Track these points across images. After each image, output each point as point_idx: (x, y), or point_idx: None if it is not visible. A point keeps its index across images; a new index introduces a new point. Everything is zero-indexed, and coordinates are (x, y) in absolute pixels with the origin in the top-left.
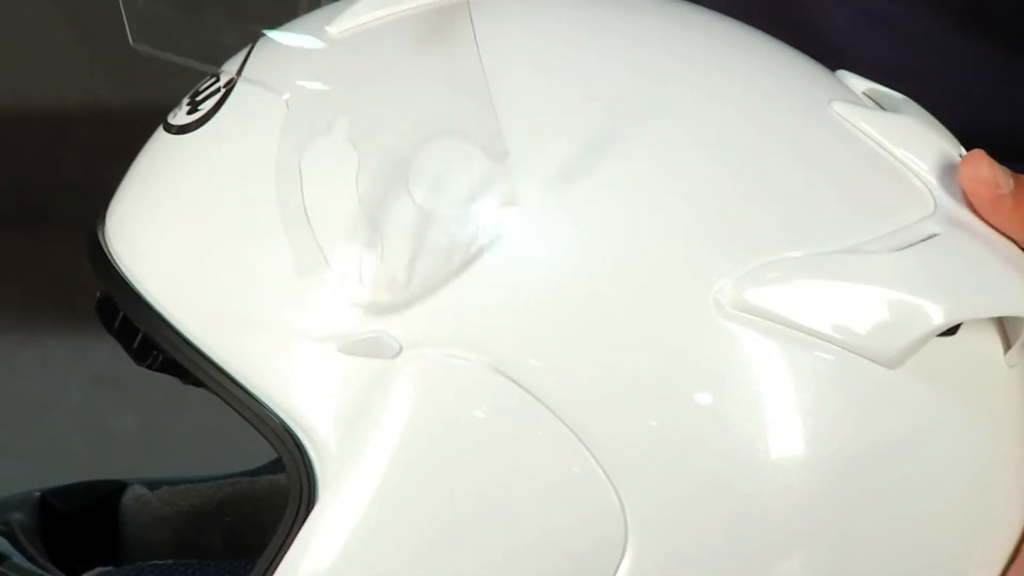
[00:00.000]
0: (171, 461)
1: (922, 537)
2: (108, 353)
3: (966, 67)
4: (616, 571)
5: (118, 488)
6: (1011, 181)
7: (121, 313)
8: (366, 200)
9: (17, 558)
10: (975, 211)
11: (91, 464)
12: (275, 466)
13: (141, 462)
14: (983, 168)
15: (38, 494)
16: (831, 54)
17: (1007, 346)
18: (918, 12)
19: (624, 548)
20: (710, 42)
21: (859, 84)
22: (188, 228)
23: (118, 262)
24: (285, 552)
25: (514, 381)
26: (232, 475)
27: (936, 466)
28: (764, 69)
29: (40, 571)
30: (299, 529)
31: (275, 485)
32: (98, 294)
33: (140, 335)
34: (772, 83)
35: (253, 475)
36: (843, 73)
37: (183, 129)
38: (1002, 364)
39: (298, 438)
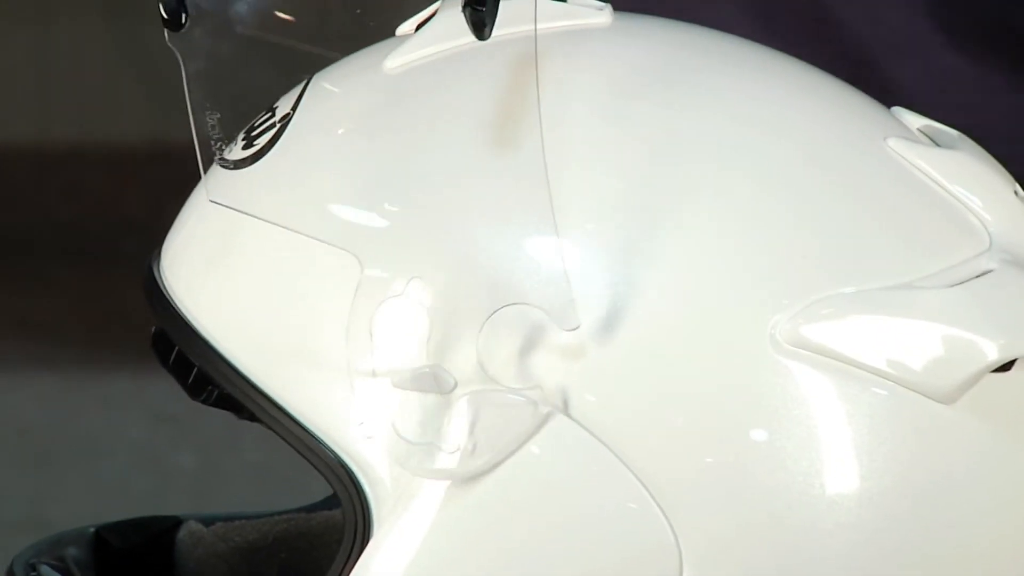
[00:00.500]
0: (227, 497)
1: (975, 574)
2: (167, 391)
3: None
4: None
5: (173, 524)
6: None
7: (176, 348)
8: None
9: None
10: None
11: (150, 500)
12: (330, 502)
13: (198, 498)
14: None
15: (92, 530)
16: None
17: None
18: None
19: None
20: (769, 80)
21: (914, 121)
22: (244, 264)
23: (173, 297)
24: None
25: (569, 416)
26: (287, 511)
27: (991, 502)
28: (821, 106)
29: None
30: (354, 564)
31: (330, 521)
32: (153, 329)
33: (195, 370)
34: (829, 120)
35: (308, 511)
36: (898, 110)
37: (239, 164)
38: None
39: (353, 473)
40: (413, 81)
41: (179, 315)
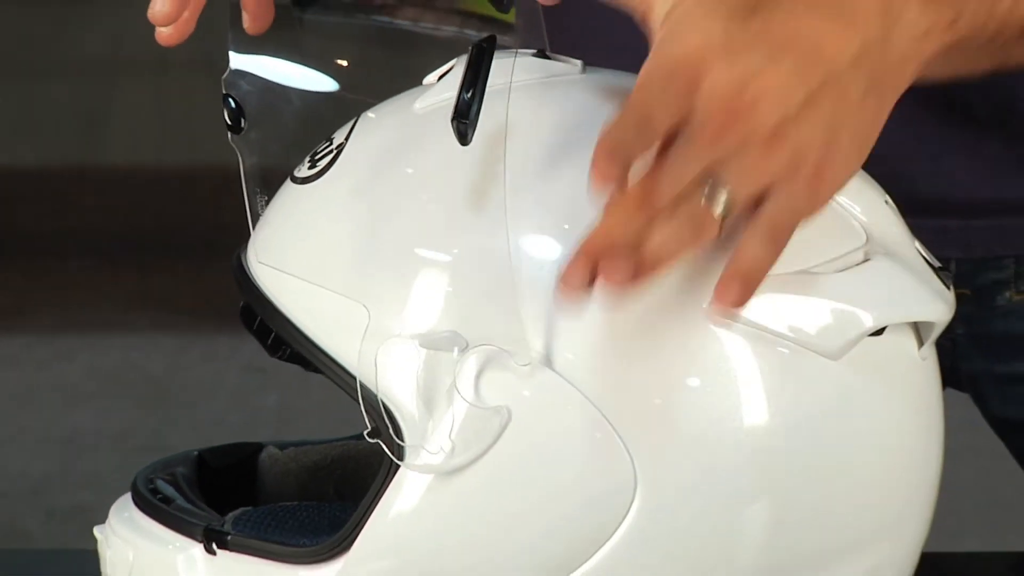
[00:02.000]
0: (299, 428)
1: (855, 484)
2: (255, 349)
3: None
4: (630, 507)
5: (257, 449)
6: None
7: (258, 318)
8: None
9: (180, 500)
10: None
11: (241, 431)
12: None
13: (278, 429)
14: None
15: (196, 453)
16: None
17: (920, 344)
18: None
19: (635, 491)
20: None
21: None
22: (307, 250)
23: (256, 279)
24: (382, 495)
25: (553, 369)
26: (341, 439)
27: (866, 429)
28: None
29: (197, 510)
30: (392, 478)
31: (373, 448)
32: (241, 303)
33: (273, 334)
34: None
35: (357, 440)
36: None
37: (305, 180)
38: (916, 358)
39: (391, 411)
40: (432, 122)
41: (261, 293)
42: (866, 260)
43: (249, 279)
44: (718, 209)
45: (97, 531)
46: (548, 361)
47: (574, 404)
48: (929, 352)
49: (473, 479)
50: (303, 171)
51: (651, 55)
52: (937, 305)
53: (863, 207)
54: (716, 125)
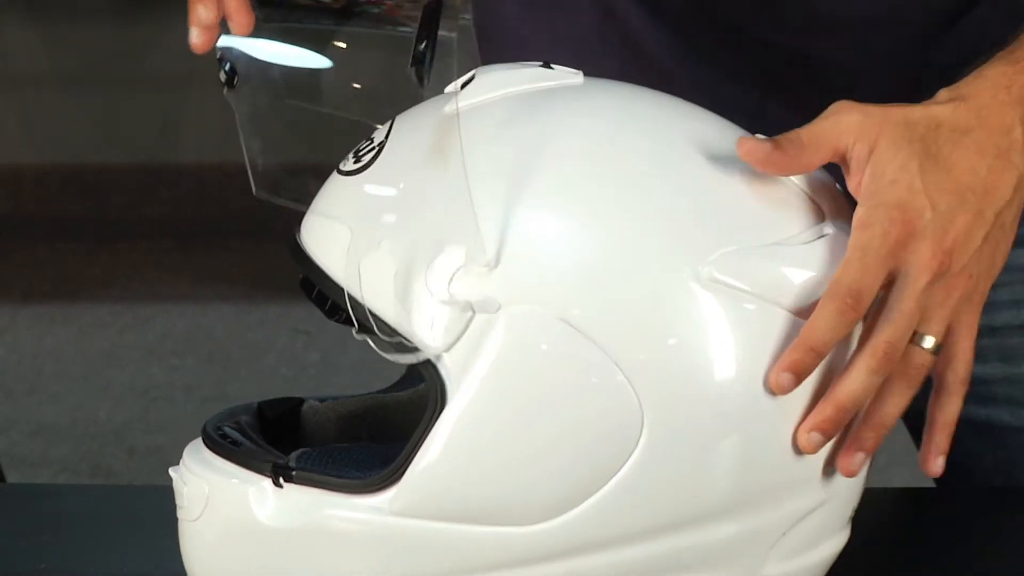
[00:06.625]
0: (339, 381)
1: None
2: (301, 314)
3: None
4: (638, 442)
5: (300, 402)
6: (767, 142)
7: (316, 288)
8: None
9: (247, 444)
10: (839, 213)
11: (289, 384)
12: (399, 386)
13: (319, 383)
14: (747, 143)
15: (256, 405)
16: None
17: None
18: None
19: (641, 428)
20: (678, 114)
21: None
22: (359, 230)
23: (311, 254)
24: (426, 436)
25: (570, 324)
26: (372, 393)
27: (823, 370)
28: (706, 122)
29: (262, 450)
30: (437, 418)
31: (398, 399)
32: (300, 277)
33: (330, 301)
34: (710, 130)
35: (384, 393)
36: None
37: (351, 173)
38: None
39: (436, 365)
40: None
41: (317, 266)
42: (826, 235)
43: (306, 256)
44: (929, 352)
45: (172, 471)
46: (563, 315)
47: (587, 353)
48: None
49: (500, 416)
50: (348, 165)
51: (870, 208)
52: None
53: (815, 188)
54: (929, 277)
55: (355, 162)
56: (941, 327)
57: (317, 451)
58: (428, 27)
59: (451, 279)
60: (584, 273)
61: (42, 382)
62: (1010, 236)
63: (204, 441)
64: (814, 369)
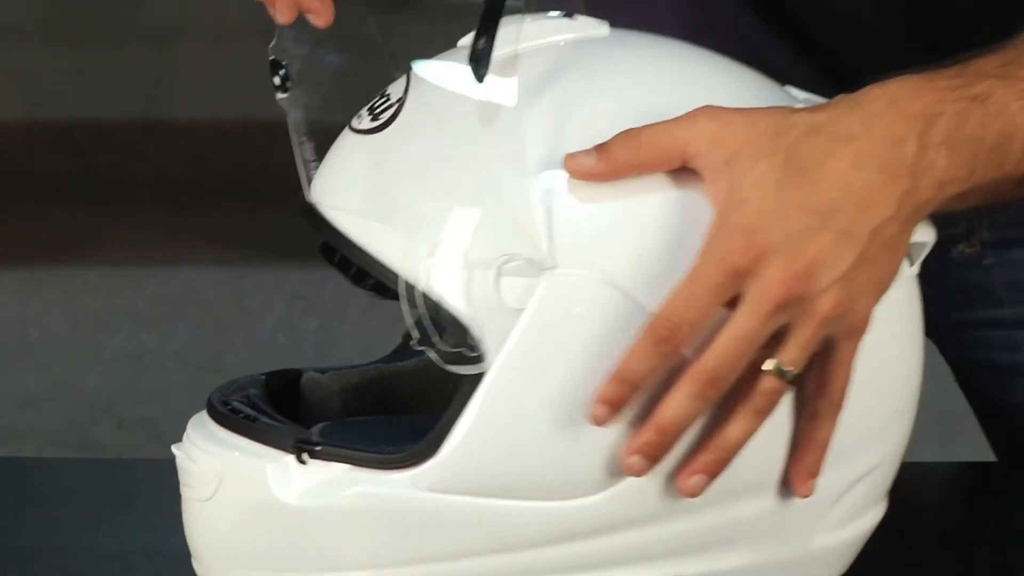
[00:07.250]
0: (338, 350)
1: (857, 391)
2: (299, 279)
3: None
4: None
5: (299, 374)
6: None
7: (338, 253)
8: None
9: (263, 418)
10: None
11: (287, 353)
12: (401, 355)
13: (318, 353)
14: (569, 161)
15: (263, 376)
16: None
17: (911, 263)
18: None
19: None
20: (707, 68)
21: (799, 94)
22: (378, 192)
23: (328, 217)
24: (461, 410)
25: (617, 288)
26: (373, 363)
27: (868, 341)
28: (743, 82)
29: (280, 425)
30: (471, 395)
31: (403, 369)
32: (320, 243)
33: (355, 266)
34: (742, 91)
35: (386, 363)
36: (788, 87)
37: (371, 131)
38: (908, 275)
39: (471, 331)
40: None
41: (338, 231)
42: None
43: (325, 221)
44: (777, 378)
45: (175, 448)
46: (604, 277)
47: (623, 309)
48: (916, 271)
49: (544, 385)
50: (365, 123)
51: (714, 230)
52: (926, 229)
53: None
54: (772, 304)
55: (372, 119)
56: (797, 353)
57: (340, 425)
58: (489, 18)
59: (499, 244)
60: (631, 237)
61: (28, 349)
62: (898, 252)
63: (212, 416)
64: (629, 400)
